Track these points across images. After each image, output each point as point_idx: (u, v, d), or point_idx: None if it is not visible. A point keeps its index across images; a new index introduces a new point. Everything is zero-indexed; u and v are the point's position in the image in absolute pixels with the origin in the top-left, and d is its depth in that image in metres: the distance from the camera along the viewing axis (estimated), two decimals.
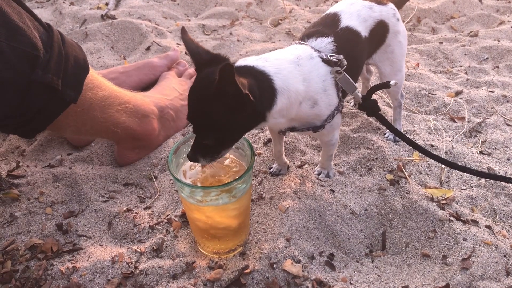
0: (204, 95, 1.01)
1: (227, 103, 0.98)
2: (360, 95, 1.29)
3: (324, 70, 1.21)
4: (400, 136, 1.36)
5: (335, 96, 1.25)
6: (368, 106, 1.31)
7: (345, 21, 1.35)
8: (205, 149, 1.08)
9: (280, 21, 2.84)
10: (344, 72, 1.21)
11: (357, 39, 1.35)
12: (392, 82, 1.27)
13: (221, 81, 0.91)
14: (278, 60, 1.15)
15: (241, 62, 1.10)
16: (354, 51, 1.34)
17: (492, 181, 1.55)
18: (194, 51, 1.06)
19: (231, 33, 2.65)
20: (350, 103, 1.94)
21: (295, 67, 1.16)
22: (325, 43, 1.27)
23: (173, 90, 1.87)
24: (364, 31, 1.37)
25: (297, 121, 1.25)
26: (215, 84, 0.92)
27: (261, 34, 2.70)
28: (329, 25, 1.35)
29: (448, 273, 1.22)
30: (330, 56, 1.22)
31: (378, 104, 1.33)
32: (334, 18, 1.37)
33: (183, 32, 1.09)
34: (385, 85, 1.29)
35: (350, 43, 1.33)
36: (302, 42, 1.28)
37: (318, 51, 1.23)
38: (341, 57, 1.22)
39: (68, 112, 1.26)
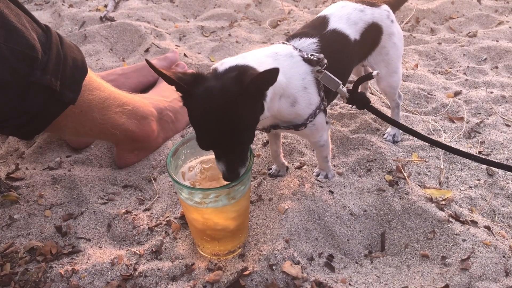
0: (229, 103, 0.99)
1: (250, 99, 1.01)
2: (345, 90, 1.29)
3: (304, 69, 1.22)
4: (396, 125, 1.37)
5: (316, 95, 1.25)
6: (356, 99, 1.31)
7: (333, 24, 1.36)
8: (237, 159, 1.07)
9: (279, 22, 2.85)
10: (325, 71, 1.22)
11: (344, 41, 1.36)
12: (375, 73, 1.28)
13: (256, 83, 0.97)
14: (255, 56, 1.16)
15: (221, 66, 1.07)
16: (340, 52, 1.35)
17: (491, 182, 1.55)
18: (177, 77, 1.01)
19: (230, 35, 2.65)
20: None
21: (273, 61, 1.18)
22: (308, 43, 1.28)
23: (172, 92, 1.85)
24: (353, 34, 1.38)
25: (278, 119, 1.26)
26: (244, 86, 0.97)
27: (260, 35, 2.70)
28: (317, 27, 1.36)
29: (448, 274, 1.22)
30: (311, 55, 1.23)
31: (368, 97, 1.34)
32: (323, 21, 1.38)
33: (151, 65, 1.01)
34: (368, 77, 1.30)
35: (336, 45, 1.34)
36: (285, 42, 1.29)
37: (300, 51, 1.24)
38: (321, 56, 1.23)
39: (66, 114, 1.26)
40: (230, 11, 2.97)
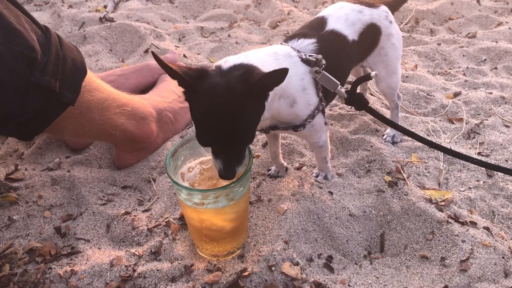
0: (234, 101, 0.99)
1: (255, 99, 1.02)
2: (343, 90, 1.29)
3: (303, 69, 1.23)
4: (394, 126, 1.37)
5: (314, 95, 1.26)
6: (354, 99, 1.31)
7: (331, 24, 1.36)
8: (235, 158, 1.07)
9: (278, 23, 2.85)
10: (324, 71, 1.22)
11: (342, 42, 1.36)
12: (373, 74, 1.28)
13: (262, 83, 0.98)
14: (257, 55, 1.17)
15: (225, 63, 1.07)
16: (338, 53, 1.35)
17: (490, 183, 1.55)
18: (182, 71, 1.01)
19: (229, 35, 2.65)
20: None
21: (274, 60, 1.18)
22: (306, 44, 1.29)
23: (172, 93, 1.87)
24: (352, 34, 1.38)
25: (277, 120, 1.26)
26: (250, 85, 0.97)
27: (260, 36, 2.71)
28: (315, 27, 1.36)
29: (447, 275, 1.22)
30: (309, 56, 1.23)
31: (367, 98, 1.34)
32: (321, 22, 1.38)
33: (157, 58, 1.00)
34: (367, 77, 1.30)
35: (334, 46, 1.34)
36: (283, 43, 1.30)
37: (298, 51, 1.24)
38: (320, 56, 1.23)
39: (66, 115, 1.26)
40: (230, 12, 2.97)
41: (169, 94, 1.86)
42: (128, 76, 2.01)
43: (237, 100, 0.99)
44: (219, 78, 1.02)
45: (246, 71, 1.03)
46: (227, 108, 0.99)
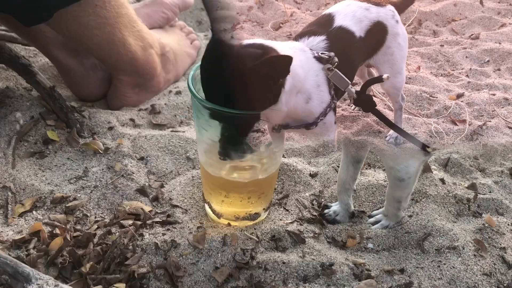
0: (237, 71, 1.02)
1: (263, 77, 1.02)
2: (353, 90, 1.29)
3: (317, 66, 1.23)
4: (399, 131, 1.37)
5: (327, 93, 1.26)
6: (363, 101, 1.31)
7: (339, 21, 1.36)
8: (233, 141, 1.09)
9: (281, 25, 2.85)
10: (336, 69, 1.23)
11: (350, 38, 1.35)
12: (385, 76, 1.28)
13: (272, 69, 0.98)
14: (278, 44, 1.18)
15: (247, 41, 1.12)
16: (347, 49, 1.35)
17: None
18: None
19: (232, 37, 2.65)
20: (352, 106, 1.94)
21: (292, 53, 1.18)
22: (317, 41, 1.29)
23: (176, 37, 1.84)
24: (359, 31, 1.38)
25: (290, 118, 1.27)
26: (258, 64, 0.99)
27: (263, 38, 2.71)
28: (322, 25, 1.36)
29: None
30: (321, 53, 1.23)
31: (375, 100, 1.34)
32: (328, 18, 1.38)
33: None
34: (378, 79, 1.31)
35: (343, 42, 1.34)
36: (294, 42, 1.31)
37: (310, 49, 1.25)
38: (332, 54, 1.24)
39: (86, 2, 1.23)
40: (233, 14, 2.97)
41: (174, 36, 1.83)
42: (138, 11, 1.93)
43: (239, 72, 1.01)
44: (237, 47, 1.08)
45: (264, 52, 1.05)
46: (225, 71, 1.03)
